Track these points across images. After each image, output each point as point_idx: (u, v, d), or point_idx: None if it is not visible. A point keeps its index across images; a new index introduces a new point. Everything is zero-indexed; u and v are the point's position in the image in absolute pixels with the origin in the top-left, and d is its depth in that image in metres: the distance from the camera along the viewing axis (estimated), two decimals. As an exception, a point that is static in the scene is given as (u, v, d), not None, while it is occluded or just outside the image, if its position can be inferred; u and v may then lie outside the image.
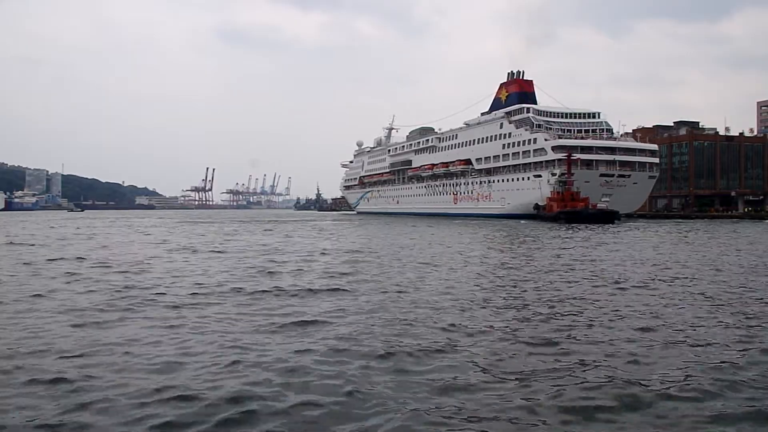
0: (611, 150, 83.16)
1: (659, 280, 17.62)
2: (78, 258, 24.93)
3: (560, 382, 7.49)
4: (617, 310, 12.43)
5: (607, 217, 67.20)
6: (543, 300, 13.79)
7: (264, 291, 15.07)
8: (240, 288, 15.55)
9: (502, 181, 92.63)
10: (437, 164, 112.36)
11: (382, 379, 7.69)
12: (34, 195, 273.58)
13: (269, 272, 19.43)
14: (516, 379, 7.70)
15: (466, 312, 12.26)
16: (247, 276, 18.44)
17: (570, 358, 8.61)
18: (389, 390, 7.23)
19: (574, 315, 11.92)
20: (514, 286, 16.16)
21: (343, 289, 15.30)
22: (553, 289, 15.52)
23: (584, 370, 7.99)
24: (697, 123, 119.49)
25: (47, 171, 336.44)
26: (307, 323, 11.02)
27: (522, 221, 71.90)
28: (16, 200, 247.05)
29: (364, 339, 9.78)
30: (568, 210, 70.12)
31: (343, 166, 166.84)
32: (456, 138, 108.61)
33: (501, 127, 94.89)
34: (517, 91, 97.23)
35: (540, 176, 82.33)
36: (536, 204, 79.16)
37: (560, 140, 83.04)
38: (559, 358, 8.62)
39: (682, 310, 12.51)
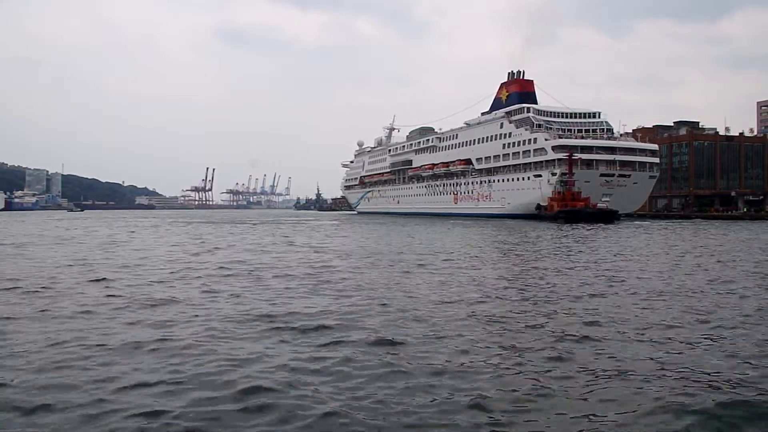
0: (611, 150, 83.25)
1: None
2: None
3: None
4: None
5: (607, 217, 67.34)
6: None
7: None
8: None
9: (503, 181, 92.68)
10: (437, 164, 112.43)
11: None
12: (34, 195, 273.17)
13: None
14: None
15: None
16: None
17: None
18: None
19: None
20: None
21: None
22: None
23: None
24: (697, 123, 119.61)
25: (47, 171, 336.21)
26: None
27: (516, 221, 71.96)
28: (16, 200, 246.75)
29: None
30: (568, 209, 70.23)
31: (344, 166, 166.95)
32: (456, 138, 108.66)
33: (501, 126, 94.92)
34: (518, 91, 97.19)
35: (540, 176, 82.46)
36: (538, 204, 79.28)
37: (560, 140, 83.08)
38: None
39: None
